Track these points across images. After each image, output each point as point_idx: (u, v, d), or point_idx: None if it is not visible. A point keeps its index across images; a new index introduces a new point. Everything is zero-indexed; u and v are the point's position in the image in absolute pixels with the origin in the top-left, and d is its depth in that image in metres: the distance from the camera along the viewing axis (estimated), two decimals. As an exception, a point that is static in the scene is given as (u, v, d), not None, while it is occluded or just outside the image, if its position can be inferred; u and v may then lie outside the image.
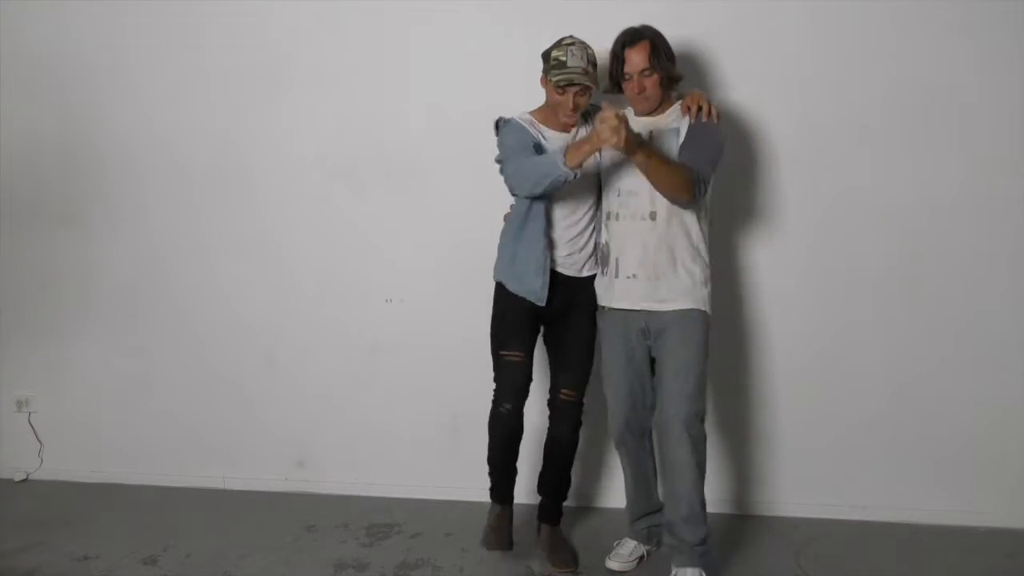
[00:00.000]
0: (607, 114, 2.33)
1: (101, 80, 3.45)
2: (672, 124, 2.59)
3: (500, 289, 2.75)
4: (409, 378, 3.34)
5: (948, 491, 3.03)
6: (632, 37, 2.55)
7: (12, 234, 3.57)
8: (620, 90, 2.62)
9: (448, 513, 3.20)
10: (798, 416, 3.12)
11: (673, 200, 2.51)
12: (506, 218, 2.79)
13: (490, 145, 2.73)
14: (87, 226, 3.52)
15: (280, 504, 3.33)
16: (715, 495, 3.02)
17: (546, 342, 2.81)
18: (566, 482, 2.84)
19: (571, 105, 2.57)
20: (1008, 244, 2.96)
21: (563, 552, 2.80)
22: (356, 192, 3.32)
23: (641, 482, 2.79)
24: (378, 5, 3.23)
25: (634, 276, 2.59)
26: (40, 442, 3.62)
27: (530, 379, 2.69)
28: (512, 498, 2.79)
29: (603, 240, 2.69)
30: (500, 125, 2.70)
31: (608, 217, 2.66)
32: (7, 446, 3.62)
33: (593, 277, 2.75)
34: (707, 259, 2.64)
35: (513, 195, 2.69)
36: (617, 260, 2.62)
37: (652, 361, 2.67)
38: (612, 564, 2.76)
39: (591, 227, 2.72)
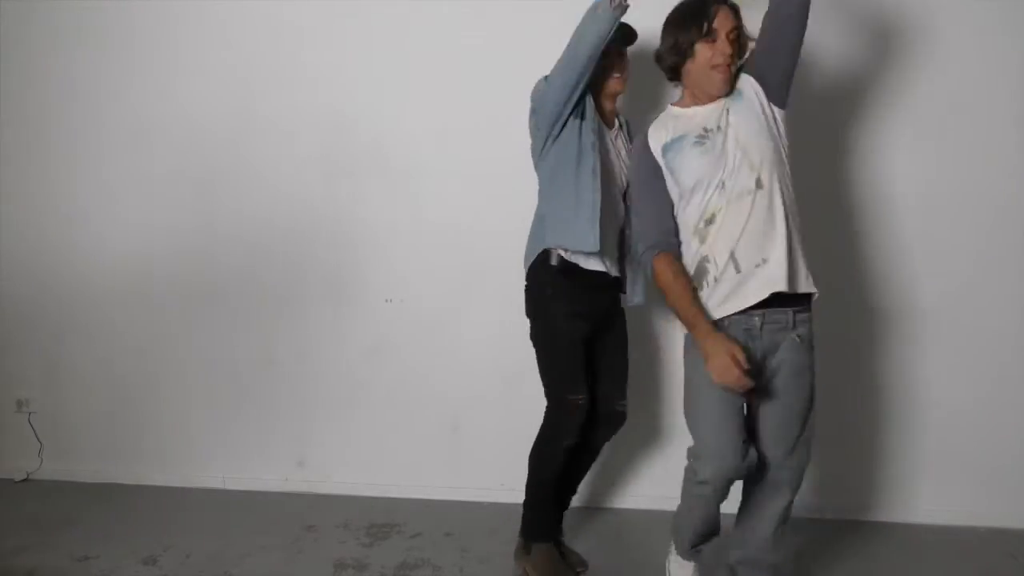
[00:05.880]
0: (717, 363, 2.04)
1: (99, 76, 3.44)
2: (734, 100, 2.22)
3: (542, 303, 2.56)
4: (409, 378, 3.34)
5: (948, 491, 3.04)
6: None
7: (9, 231, 3.57)
8: (678, 77, 2.29)
9: (448, 513, 3.20)
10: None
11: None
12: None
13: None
14: (86, 225, 3.52)
15: (280, 504, 3.33)
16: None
17: (587, 352, 2.60)
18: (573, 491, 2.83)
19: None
20: (1008, 244, 2.96)
21: (570, 556, 2.77)
22: (356, 191, 3.32)
23: (713, 519, 2.33)
24: (379, 5, 3.23)
25: (764, 262, 2.14)
26: (40, 442, 3.61)
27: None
28: (561, 532, 2.73)
29: (699, 253, 2.21)
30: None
31: (709, 222, 2.19)
32: (7, 446, 3.62)
33: (618, 279, 2.64)
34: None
35: (553, 110, 2.47)
36: (732, 253, 2.15)
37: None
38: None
39: (621, 230, 2.61)
